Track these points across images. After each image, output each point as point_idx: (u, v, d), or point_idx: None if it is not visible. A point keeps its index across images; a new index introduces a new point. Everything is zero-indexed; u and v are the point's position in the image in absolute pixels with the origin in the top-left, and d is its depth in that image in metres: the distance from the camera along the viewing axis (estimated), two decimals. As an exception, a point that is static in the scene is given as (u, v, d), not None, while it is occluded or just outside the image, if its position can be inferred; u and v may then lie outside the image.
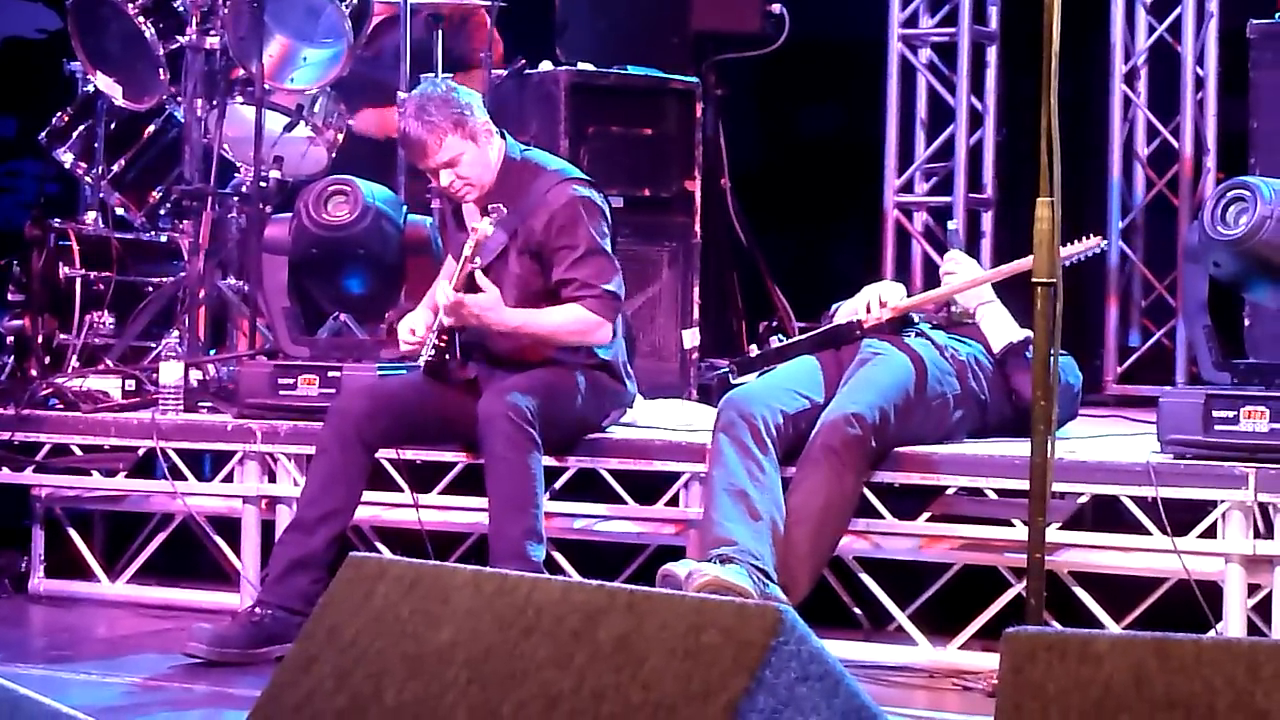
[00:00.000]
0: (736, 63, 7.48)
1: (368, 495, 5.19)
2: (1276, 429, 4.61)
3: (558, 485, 5.39)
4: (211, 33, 6.52)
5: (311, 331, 6.06)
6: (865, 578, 5.07)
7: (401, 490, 5.51)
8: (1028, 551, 3.69)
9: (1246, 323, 5.81)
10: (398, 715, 2.90)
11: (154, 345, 6.48)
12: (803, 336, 5.31)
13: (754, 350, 5.38)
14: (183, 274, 6.53)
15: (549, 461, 5.15)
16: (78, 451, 6.03)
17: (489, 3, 6.52)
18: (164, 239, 6.83)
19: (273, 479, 5.71)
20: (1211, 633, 4.59)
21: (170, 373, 5.91)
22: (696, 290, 6.52)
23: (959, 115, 7.90)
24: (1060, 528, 4.81)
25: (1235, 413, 4.66)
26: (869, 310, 5.21)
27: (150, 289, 6.63)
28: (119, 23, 6.61)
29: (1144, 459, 4.74)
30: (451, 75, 6.11)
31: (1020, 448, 4.64)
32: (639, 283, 6.37)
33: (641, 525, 5.41)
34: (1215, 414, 4.68)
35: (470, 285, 5.00)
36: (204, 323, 6.51)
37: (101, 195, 6.85)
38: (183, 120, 6.70)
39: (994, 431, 5.17)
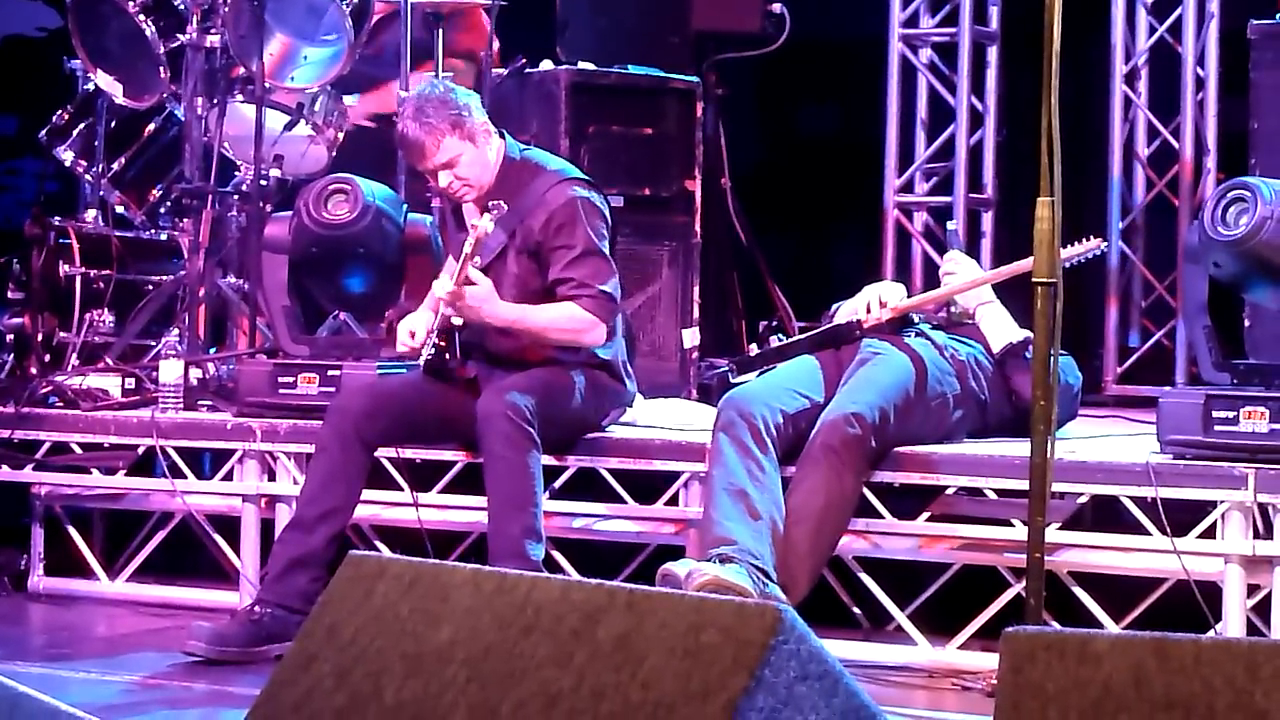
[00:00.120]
0: (737, 62, 7.48)
1: (367, 494, 5.19)
2: (1276, 429, 4.61)
3: (557, 484, 5.39)
4: (212, 31, 6.53)
5: (311, 330, 6.06)
6: (865, 577, 5.07)
7: (401, 489, 5.51)
8: (1027, 551, 3.69)
9: (1246, 323, 5.81)
10: (397, 714, 2.90)
11: (154, 343, 6.47)
12: (802, 336, 5.31)
13: (754, 350, 5.38)
14: (183, 272, 6.53)
15: (548, 461, 5.15)
16: (77, 449, 6.03)
17: (489, 1, 6.52)
18: (164, 237, 6.83)
19: (272, 477, 5.71)
20: (1211, 633, 4.59)
21: (170, 371, 5.91)
22: (696, 290, 6.52)
23: (959, 115, 7.90)
24: (1060, 528, 4.81)
25: (1235, 413, 4.66)
26: (869, 310, 5.22)
27: (150, 287, 6.63)
28: (119, 21, 6.61)
29: (1144, 459, 4.74)
30: (451, 75, 6.13)
31: (1020, 448, 4.64)
32: (639, 282, 6.37)
33: (641, 524, 5.40)
34: (1215, 414, 4.68)
35: (468, 281, 4.99)
36: (204, 321, 6.51)
37: (102, 193, 6.85)
38: (183, 118, 6.70)
39: (994, 431, 5.17)
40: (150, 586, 5.95)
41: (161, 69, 6.55)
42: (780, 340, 5.30)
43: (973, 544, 4.97)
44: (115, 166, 6.85)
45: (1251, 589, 4.66)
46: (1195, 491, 4.67)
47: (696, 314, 6.51)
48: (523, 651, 2.84)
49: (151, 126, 6.92)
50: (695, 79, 6.69)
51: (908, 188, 8.06)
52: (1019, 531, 4.78)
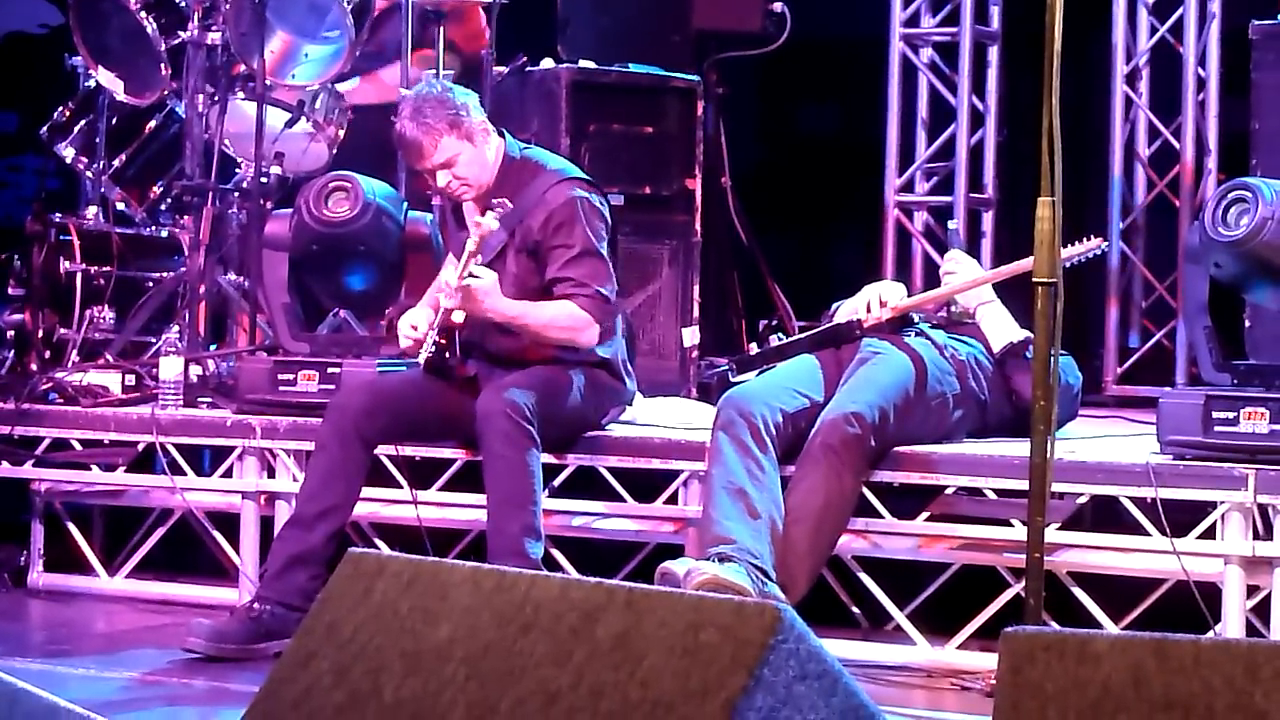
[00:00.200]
0: (738, 61, 7.48)
1: (367, 491, 5.19)
2: (1276, 430, 4.61)
3: (557, 483, 5.39)
4: (213, 28, 6.53)
5: (311, 327, 6.06)
6: (864, 577, 5.07)
7: (400, 487, 5.51)
8: (1027, 551, 3.69)
9: (1247, 324, 5.81)
10: (396, 711, 2.90)
11: (154, 340, 6.48)
12: (802, 335, 5.31)
13: (753, 349, 5.38)
14: (183, 269, 6.53)
15: (548, 459, 5.15)
16: (77, 446, 6.03)
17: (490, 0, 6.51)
18: (164, 234, 6.83)
19: (272, 474, 5.71)
20: (1210, 634, 4.59)
21: (170, 368, 5.91)
22: (696, 288, 6.52)
23: (960, 115, 7.90)
24: (1059, 528, 4.81)
25: (1235, 414, 4.66)
26: (869, 310, 5.21)
27: (150, 284, 6.63)
28: (121, 18, 6.61)
29: (1143, 460, 4.74)
30: (451, 74, 6.13)
31: (1020, 448, 4.64)
32: (639, 281, 6.37)
33: (640, 523, 5.41)
34: (1215, 415, 4.68)
35: (472, 276, 4.99)
36: (204, 318, 6.51)
37: (102, 190, 6.85)
38: (184, 116, 6.71)
39: (993, 431, 5.17)
40: (150, 583, 5.95)
41: (162, 66, 6.55)
42: (780, 339, 5.29)
43: (972, 544, 4.97)
44: (116, 163, 6.86)
45: (1251, 590, 4.66)
46: (1195, 492, 4.67)
47: (696, 313, 6.51)
48: (522, 649, 2.84)
49: (152, 123, 6.92)
50: (696, 78, 6.68)
51: (908, 187, 8.06)
52: (1018, 531, 4.78)
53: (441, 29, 6.44)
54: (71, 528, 6.09)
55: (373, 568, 3.14)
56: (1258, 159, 5.91)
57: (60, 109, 6.87)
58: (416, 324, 5.15)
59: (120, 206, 6.90)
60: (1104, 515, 4.93)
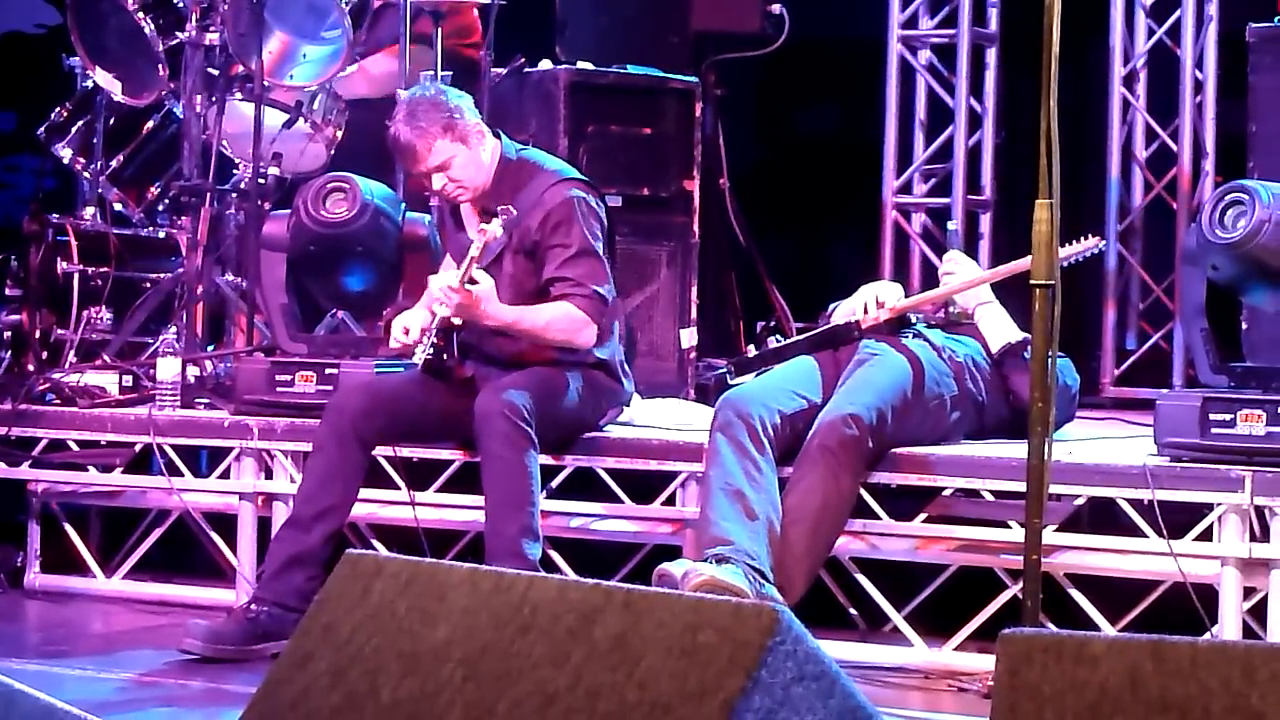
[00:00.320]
0: (736, 63, 7.48)
1: (364, 492, 5.19)
2: (1273, 432, 4.61)
3: (555, 484, 5.39)
4: (211, 29, 6.53)
5: (309, 328, 6.06)
6: (861, 578, 5.07)
7: (398, 488, 5.51)
8: (1024, 553, 3.70)
9: (1244, 326, 5.80)
10: (393, 712, 2.90)
11: (151, 341, 6.48)
12: (801, 337, 5.30)
13: (751, 351, 5.38)
14: (181, 270, 6.53)
15: (546, 460, 5.15)
16: (74, 447, 6.03)
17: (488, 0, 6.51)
18: (162, 235, 6.84)
19: (269, 475, 5.71)
20: (1207, 636, 4.59)
21: (167, 368, 5.91)
22: (695, 290, 6.52)
23: (958, 117, 7.90)
24: (1057, 530, 4.81)
25: (1232, 416, 4.66)
26: (866, 311, 5.21)
27: (148, 285, 6.63)
28: (118, 18, 6.61)
29: (1141, 461, 4.74)
30: (450, 76, 6.12)
31: (1017, 449, 4.64)
32: (637, 282, 6.37)
33: (638, 524, 5.41)
34: (1212, 417, 4.68)
35: (471, 280, 4.99)
36: (202, 319, 6.51)
37: (100, 191, 6.86)
38: (182, 116, 6.71)
39: (991, 433, 5.17)
40: (146, 584, 5.95)
41: (160, 66, 6.55)
42: (778, 341, 5.30)
43: (969, 545, 4.97)
44: (114, 164, 6.86)
45: (1248, 592, 4.66)
46: (1192, 494, 4.67)
47: (694, 314, 6.51)
48: (519, 651, 2.83)
49: (150, 124, 6.92)
50: (694, 79, 6.69)
51: (906, 189, 8.06)
52: (1016, 533, 4.78)
53: (439, 29, 6.44)
54: (68, 528, 6.09)
55: (370, 569, 3.14)
56: (1255, 161, 5.91)
57: (58, 109, 6.87)
58: (409, 326, 5.15)
59: (118, 207, 6.90)
60: (1101, 517, 4.93)
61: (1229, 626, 4.63)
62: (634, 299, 6.31)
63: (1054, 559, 4.76)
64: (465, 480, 5.42)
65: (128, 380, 6.21)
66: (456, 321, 5.02)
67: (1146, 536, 4.73)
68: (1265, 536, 4.64)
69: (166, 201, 6.85)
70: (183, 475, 5.84)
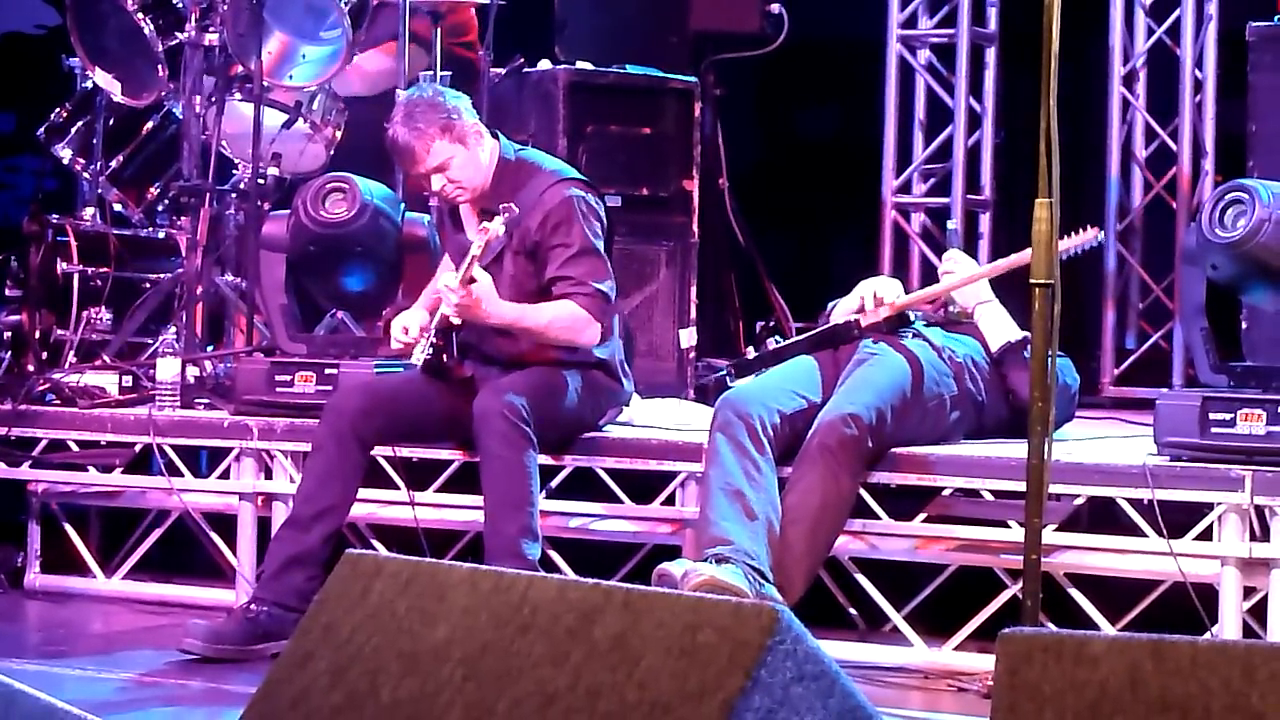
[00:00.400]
0: (735, 62, 7.48)
1: (364, 493, 5.19)
2: (1273, 431, 4.61)
3: (554, 484, 5.39)
4: (210, 29, 6.53)
5: (309, 328, 6.06)
6: (861, 578, 5.07)
7: (398, 488, 5.50)
8: (1024, 553, 3.69)
9: (1244, 325, 5.81)
10: (393, 712, 2.90)
11: (151, 341, 6.48)
12: (800, 338, 5.30)
13: (751, 353, 5.37)
14: (180, 270, 6.53)
15: (545, 460, 5.15)
16: (74, 447, 6.03)
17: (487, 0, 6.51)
18: (162, 235, 6.84)
19: (269, 476, 5.71)
20: (1207, 635, 4.59)
21: (167, 369, 5.91)
22: (694, 290, 6.52)
23: (957, 116, 7.90)
24: (1056, 529, 4.81)
25: (1232, 415, 4.66)
26: (865, 307, 5.21)
27: (148, 285, 6.63)
28: (118, 19, 6.61)
29: (1140, 461, 4.74)
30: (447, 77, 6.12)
31: (1017, 449, 4.64)
32: (637, 282, 6.37)
33: (638, 524, 5.40)
34: (1212, 416, 4.68)
35: (471, 280, 4.99)
36: (201, 319, 6.51)
37: (100, 191, 6.86)
38: (181, 117, 6.71)
39: (990, 433, 5.17)
40: (146, 584, 5.95)
41: (160, 67, 6.55)
42: (777, 342, 5.29)
43: (969, 545, 4.97)
44: (113, 164, 6.86)
45: (1248, 591, 4.66)
46: (1192, 493, 4.67)
47: (694, 314, 6.51)
48: (519, 650, 2.83)
49: (150, 124, 6.93)
50: (693, 79, 6.68)
51: (905, 188, 8.06)
52: (1015, 533, 4.78)
53: (439, 29, 6.45)
54: (68, 529, 6.09)
55: (370, 569, 3.14)
56: (1255, 160, 5.91)
57: (57, 110, 6.87)
58: (408, 326, 5.16)
59: (117, 207, 6.91)
60: (1101, 517, 4.93)
61: (1229, 626, 4.63)
62: (633, 299, 6.31)
63: (1054, 559, 4.75)
64: (465, 480, 5.42)
65: (127, 380, 6.21)
66: (456, 321, 5.02)
67: (1146, 536, 4.73)
68: (1265, 536, 4.64)
69: (166, 202, 6.85)
70: (182, 475, 5.84)
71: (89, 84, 6.80)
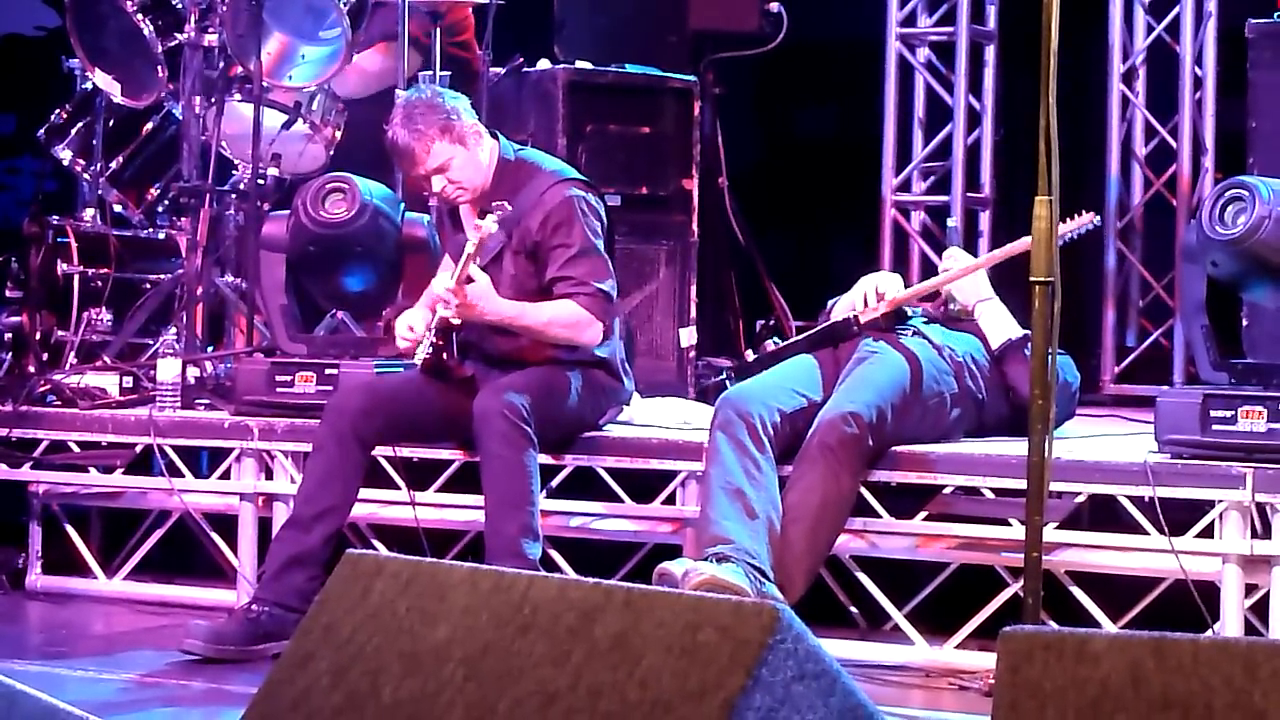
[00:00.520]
0: (734, 61, 7.48)
1: (364, 493, 5.19)
2: (1274, 429, 4.61)
3: (554, 483, 5.39)
4: (210, 30, 6.53)
5: (309, 329, 6.06)
6: (862, 577, 5.07)
7: (398, 488, 5.50)
8: (1025, 551, 3.69)
9: (1244, 323, 5.81)
10: (394, 712, 2.90)
11: (151, 342, 6.48)
12: (800, 338, 5.30)
13: (751, 355, 5.37)
14: (180, 271, 6.53)
15: (546, 459, 5.15)
16: (75, 448, 6.02)
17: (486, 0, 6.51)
18: (162, 236, 6.84)
19: (270, 476, 5.71)
20: (1209, 633, 4.59)
21: (168, 369, 5.91)
22: (694, 289, 6.52)
23: (957, 114, 7.90)
24: (1057, 527, 4.81)
25: (1233, 412, 4.66)
26: (866, 303, 5.22)
27: (148, 286, 6.63)
28: (117, 20, 6.61)
29: (1141, 459, 4.74)
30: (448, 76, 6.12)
31: (1017, 447, 4.64)
32: (636, 281, 6.37)
33: (638, 523, 5.40)
34: (1213, 414, 4.68)
35: (468, 279, 4.99)
36: (202, 320, 6.51)
37: (100, 192, 6.86)
38: (181, 117, 6.71)
39: (991, 430, 5.17)
40: (147, 585, 5.95)
41: (159, 68, 6.55)
42: (777, 343, 5.29)
43: (970, 543, 4.97)
44: (113, 165, 6.86)
45: (1249, 588, 4.66)
46: (1193, 491, 4.67)
47: (694, 313, 6.51)
48: (520, 650, 2.83)
49: (149, 125, 6.93)
50: (693, 78, 6.68)
51: (905, 187, 8.06)
52: (1016, 531, 4.78)
53: (438, 29, 6.44)
54: (69, 529, 6.09)
55: (371, 569, 3.13)
56: (1255, 158, 5.91)
57: (57, 111, 6.87)
58: (414, 325, 5.16)
59: (118, 208, 6.91)
60: (1102, 514, 4.92)
61: (1230, 623, 4.63)
62: (633, 298, 6.31)
63: (1055, 556, 4.75)
64: (465, 480, 5.41)
65: (128, 381, 6.21)
66: (456, 321, 5.02)
67: (1148, 534, 4.73)
68: (1266, 533, 4.64)
69: (166, 203, 6.85)
70: (183, 476, 5.84)
71: (89, 85, 6.80)
